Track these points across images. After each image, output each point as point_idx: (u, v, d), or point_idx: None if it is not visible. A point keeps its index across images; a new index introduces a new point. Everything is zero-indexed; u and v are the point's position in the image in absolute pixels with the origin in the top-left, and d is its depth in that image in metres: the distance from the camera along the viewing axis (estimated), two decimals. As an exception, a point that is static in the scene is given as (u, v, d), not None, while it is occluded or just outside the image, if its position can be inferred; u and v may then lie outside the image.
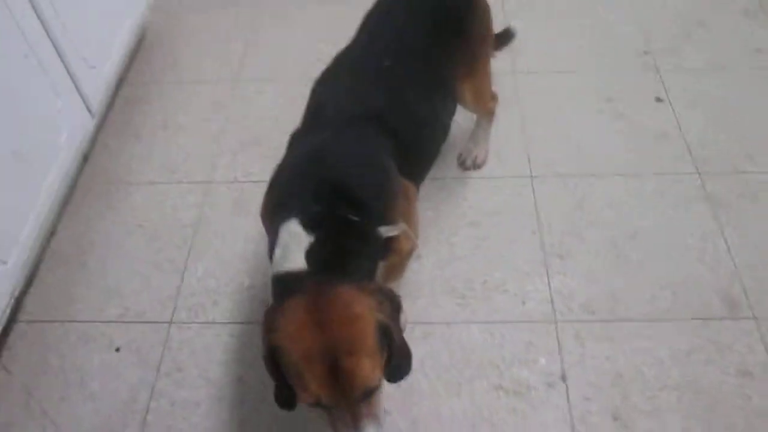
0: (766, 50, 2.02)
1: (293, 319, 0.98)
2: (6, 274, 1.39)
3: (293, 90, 1.85)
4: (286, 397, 1.05)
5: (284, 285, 1.07)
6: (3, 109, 1.39)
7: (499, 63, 2.01)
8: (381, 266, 1.24)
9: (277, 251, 1.09)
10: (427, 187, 1.68)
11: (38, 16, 1.51)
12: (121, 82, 2.04)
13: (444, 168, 1.76)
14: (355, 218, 1.10)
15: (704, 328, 1.41)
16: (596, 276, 1.52)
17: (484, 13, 1.51)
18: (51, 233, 1.68)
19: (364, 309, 0.98)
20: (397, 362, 1.04)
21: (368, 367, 0.95)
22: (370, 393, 0.97)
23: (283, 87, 2.02)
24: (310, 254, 1.06)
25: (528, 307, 1.48)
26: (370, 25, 1.40)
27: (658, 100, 1.90)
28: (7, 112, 1.40)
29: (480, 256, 1.57)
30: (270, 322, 1.01)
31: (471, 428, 1.31)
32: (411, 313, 1.46)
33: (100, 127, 1.91)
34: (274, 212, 1.15)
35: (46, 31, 1.54)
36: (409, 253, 1.29)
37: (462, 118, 1.75)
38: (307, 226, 1.08)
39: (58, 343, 1.49)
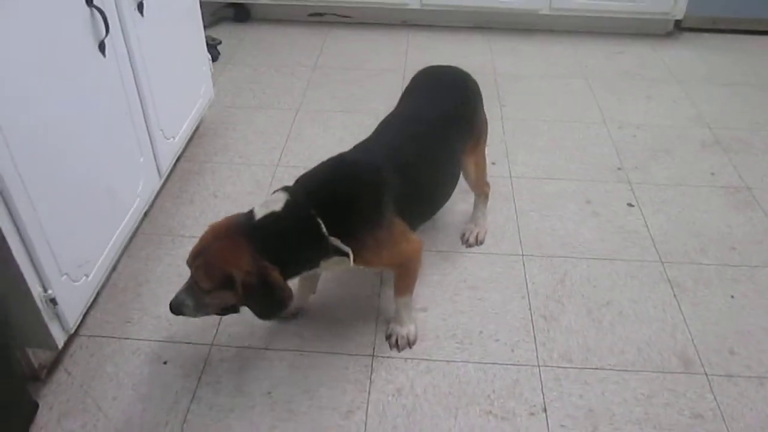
0: (718, 174, 2.45)
1: (218, 225, 1.50)
2: (86, 286, 1.67)
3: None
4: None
5: (245, 213, 1.51)
6: (105, 151, 1.74)
7: (498, 169, 2.43)
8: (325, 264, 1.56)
9: (267, 198, 1.54)
10: (435, 258, 2.04)
11: (138, 90, 1.90)
12: (179, 158, 2.42)
13: (449, 244, 2.09)
14: (318, 222, 1.47)
15: (663, 379, 1.68)
16: (574, 333, 1.80)
17: (484, 111, 1.98)
18: (113, 269, 1.96)
19: (233, 260, 1.42)
20: (247, 303, 1.48)
21: (202, 275, 1.45)
22: (199, 286, 1.46)
23: (316, 172, 2.40)
24: (266, 216, 1.48)
25: (516, 353, 1.75)
26: (409, 99, 1.86)
27: (630, 205, 2.28)
28: (108, 154, 1.76)
29: (477, 312, 1.86)
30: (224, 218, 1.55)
31: (465, 444, 1.54)
32: (419, 351, 1.74)
33: (160, 191, 2.25)
34: (293, 185, 1.58)
35: (141, 101, 1.93)
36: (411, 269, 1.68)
37: (463, 207, 2.12)
38: (285, 202, 1.49)
39: (114, 354, 1.73)
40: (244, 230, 1.46)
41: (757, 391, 1.66)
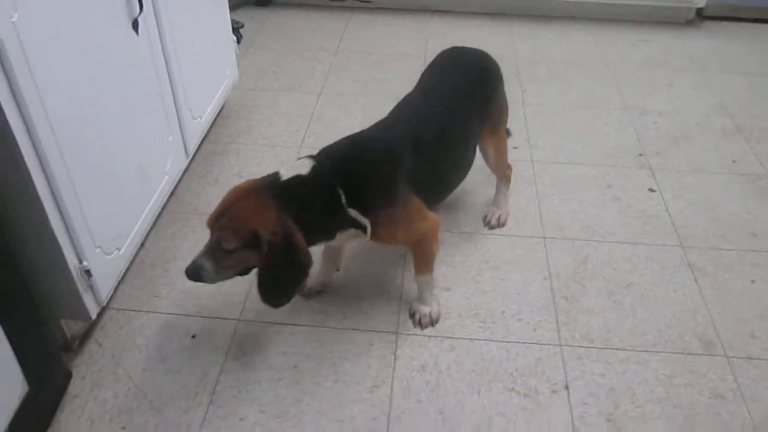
0: (740, 161, 2.45)
1: (241, 185, 1.51)
2: (119, 259, 1.71)
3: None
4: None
5: (270, 175, 1.54)
6: (137, 129, 1.78)
7: (520, 153, 2.44)
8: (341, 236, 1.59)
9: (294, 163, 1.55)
10: (457, 239, 2.06)
11: (168, 69, 1.93)
12: (204, 139, 2.45)
13: (472, 226, 2.12)
14: (339, 191, 1.50)
15: (684, 361, 1.70)
16: (595, 314, 1.82)
17: (505, 94, 1.98)
18: (141, 245, 2.00)
19: (260, 219, 1.42)
20: (262, 279, 1.47)
21: (227, 234, 1.43)
22: (221, 245, 1.45)
23: (338, 154, 2.43)
24: (292, 178, 1.50)
25: (538, 333, 1.77)
26: (429, 79, 1.87)
27: (651, 190, 2.29)
28: (139, 132, 1.79)
29: (500, 292, 1.89)
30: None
31: (488, 419, 1.56)
32: (442, 329, 1.77)
33: (186, 171, 2.29)
34: (318, 153, 1.60)
35: (171, 81, 1.96)
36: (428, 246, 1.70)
37: (485, 189, 2.14)
38: (312, 167, 1.51)
39: (143, 327, 1.77)
40: (270, 190, 1.46)
41: (777, 373, 1.68)
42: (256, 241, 1.42)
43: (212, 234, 1.48)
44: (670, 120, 2.71)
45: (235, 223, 1.43)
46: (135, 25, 1.69)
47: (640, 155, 2.48)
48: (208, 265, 1.48)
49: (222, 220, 1.45)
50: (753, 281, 1.94)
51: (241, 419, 1.55)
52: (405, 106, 1.79)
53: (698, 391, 1.63)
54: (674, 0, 3.41)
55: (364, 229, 1.56)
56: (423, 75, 1.94)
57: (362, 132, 1.68)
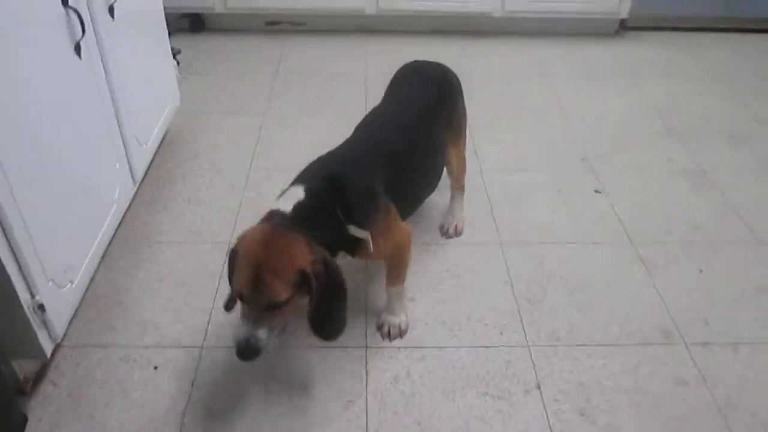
0: (675, 159, 2.58)
1: (253, 235, 1.38)
2: (72, 293, 1.63)
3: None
4: (228, 301, 1.46)
5: (268, 215, 1.45)
6: (84, 156, 1.71)
7: (468, 163, 2.47)
8: (341, 255, 1.54)
9: (281, 196, 1.48)
10: (416, 249, 2.04)
11: (111, 94, 1.88)
12: (150, 166, 2.39)
13: (428, 236, 2.13)
14: (336, 210, 1.47)
15: (646, 351, 1.76)
16: (558, 314, 1.86)
17: (465, 105, 2.02)
18: (92, 278, 1.92)
19: (298, 254, 1.34)
20: (317, 314, 1.40)
21: (278, 286, 1.32)
22: (274, 305, 1.34)
23: (290, 174, 2.37)
24: (295, 207, 1.44)
25: (505, 336, 1.79)
26: (394, 92, 1.90)
27: (597, 192, 2.37)
28: (86, 160, 1.73)
29: (463, 300, 1.90)
30: (242, 233, 1.41)
31: (465, 424, 1.56)
32: (411, 340, 1.76)
33: (134, 198, 2.21)
34: (295, 179, 1.55)
35: (115, 106, 1.90)
36: (402, 261, 1.69)
37: (438, 200, 2.17)
38: (306, 192, 1.46)
39: (101, 362, 1.69)
40: (286, 225, 1.39)
41: (733, 356, 1.75)
42: (305, 280, 1.34)
43: (250, 300, 1.35)
44: (607, 125, 2.82)
45: (278, 273, 1.32)
46: (77, 48, 1.64)
47: (583, 159, 2.57)
48: (261, 333, 1.36)
49: (261, 278, 1.31)
50: (701, 270, 2.03)
51: (215, 448, 1.50)
52: (373, 120, 1.80)
53: (662, 378, 1.68)
54: (599, 12, 3.56)
55: (354, 249, 1.53)
56: (387, 90, 1.97)
57: (337, 149, 1.66)
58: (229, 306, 1.53)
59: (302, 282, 1.34)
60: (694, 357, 1.74)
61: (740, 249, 2.13)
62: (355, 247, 1.52)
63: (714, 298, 1.93)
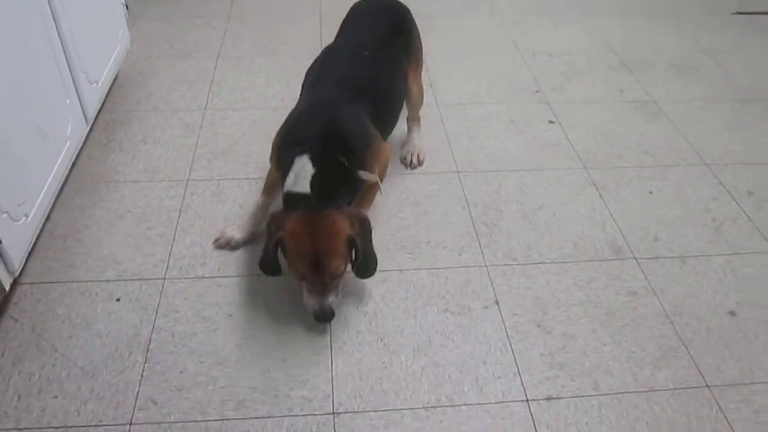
0: (627, 90, 2.64)
1: (295, 225, 1.47)
2: (27, 227, 1.61)
3: (255, 114, 2.34)
4: (272, 268, 1.57)
5: (292, 200, 1.53)
6: (31, 91, 1.67)
7: (426, 98, 2.49)
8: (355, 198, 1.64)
9: (291, 176, 1.54)
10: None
11: (57, 29, 1.82)
12: (102, 108, 2.34)
13: (389, 167, 2.15)
14: (345, 161, 1.55)
15: (598, 266, 1.82)
16: (514, 235, 1.91)
17: (419, 36, 2.04)
18: (47, 218, 1.89)
19: (341, 227, 1.49)
20: (363, 263, 1.56)
21: (337, 263, 1.49)
22: (337, 277, 1.52)
23: (246, 113, 2.39)
24: (312, 182, 1.52)
25: (464, 257, 1.84)
26: (350, 27, 1.93)
27: (551, 122, 2.42)
28: (34, 94, 1.68)
29: (422, 225, 1.94)
30: (279, 221, 1.50)
31: (427, 339, 1.61)
32: (371, 263, 1.79)
33: (86, 140, 2.17)
34: (289, 146, 1.60)
35: (62, 41, 1.85)
36: (376, 191, 1.74)
37: (396, 133, 2.19)
38: (313, 161, 1.53)
39: (62, 297, 1.68)
40: (315, 203, 1.50)
41: (681, 268, 1.83)
42: (353, 244, 1.51)
43: (318, 277, 1.50)
44: (560, 59, 2.86)
45: (334, 253, 1.47)
46: (19, -24, 1.58)
47: (537, 91, 2.61)
48: (332, 299, 1.54)
49: (321, 263, 1.47)
50: (651, 192, 2.10)
51: (182, 372, 1.51)
52: (333, 57, 1.83)
53: (614, 291, 1.75)
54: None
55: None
56: (342, 26, 2.00)
57: (309, 97, 1.72)
58: (269, 270, 1.61)
59: (350, 247, 1.51)
60: (645, 270, 1.82)
61: (688, 171, 2.20)
62: (361, 187, 1.64)
63: (663, 218, 2.00)
